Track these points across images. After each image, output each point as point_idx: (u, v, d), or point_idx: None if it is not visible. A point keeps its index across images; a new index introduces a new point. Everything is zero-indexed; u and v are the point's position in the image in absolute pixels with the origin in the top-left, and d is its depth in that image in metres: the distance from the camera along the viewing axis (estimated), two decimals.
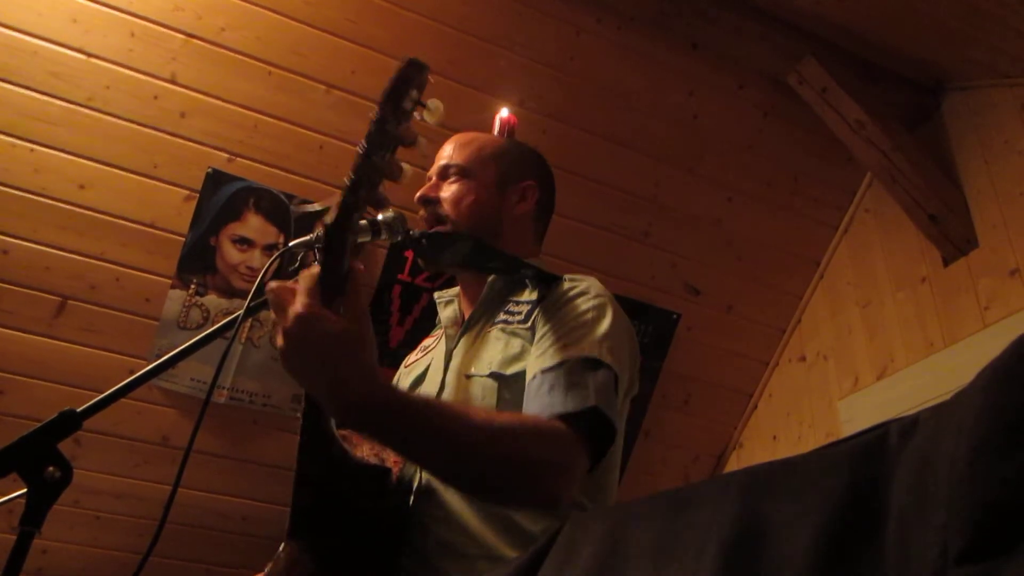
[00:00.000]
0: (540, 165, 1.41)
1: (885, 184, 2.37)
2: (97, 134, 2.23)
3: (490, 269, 1.27)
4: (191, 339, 1.06)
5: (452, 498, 1.05)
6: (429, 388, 1.23)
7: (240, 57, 2.25)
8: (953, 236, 2.26)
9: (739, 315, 2.81)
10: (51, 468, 0.84)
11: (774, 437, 2.80)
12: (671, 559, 0.41)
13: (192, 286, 2.40)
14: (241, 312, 1.09)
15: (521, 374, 1.11)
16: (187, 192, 2.34)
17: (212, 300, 2.42)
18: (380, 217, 1.29)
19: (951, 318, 2.23)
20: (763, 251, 2.74)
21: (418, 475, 1.09)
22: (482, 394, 1.13)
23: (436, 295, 1.40)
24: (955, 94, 2.45)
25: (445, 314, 1.34)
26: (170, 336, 2.40)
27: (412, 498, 1.08)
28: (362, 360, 0.85)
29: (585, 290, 1.18)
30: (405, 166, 0.89)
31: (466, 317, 1.30)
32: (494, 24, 2.33)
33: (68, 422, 0.88)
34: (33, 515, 0.83)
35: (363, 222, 1.27)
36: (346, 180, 0.87)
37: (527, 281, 1.25)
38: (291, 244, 1.22)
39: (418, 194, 1.31)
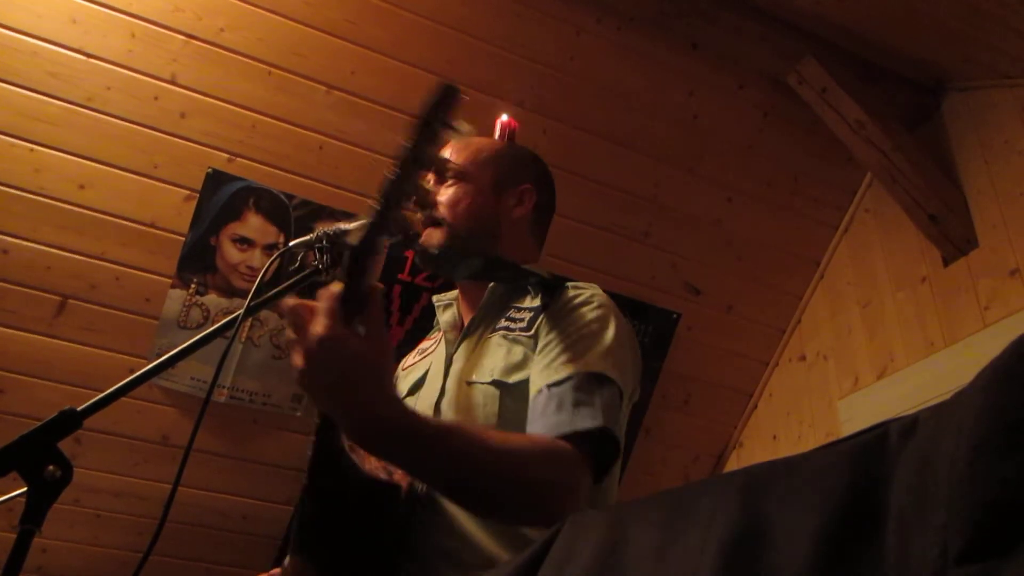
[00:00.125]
0: (538, 169, 1.41)
1: (885, 184, 2.37)
2: (97, 134, 2.23)
3: (498, 279, 1.27)
4: (191, 338, 1.06)
5: (453, 507, 1.05)
6: (428, 393, 1.23)
7: (240, 58, 2.26)
8: (953, 236, 2.26)
9: (739, 315, 2.81)
10: (51, 467, 0.84)
11: (774, 437, 2.80)
12: (671, 559, 0.41)
13: (192, 286, 2.40)
14: (241, 312, 1.09)
15: (524, 383, 1.11)
16: (187, 192, 2.34)
17: (212, 299, 2.42)
18: None
19: (951, 318, 2.23)
20: (763, 251, 2.74)
21: (421, 484, 1.09)
22: (484, 401, 1.12)
23: (435, 298, 1.40)
24: (955, 94, 2.45)
25: (444, 318, 1.34)
26: (170, 335, 2.40)
27: (413, 506, 1.08)
28: (384, 384, 0.85)
29: (589, 299, 1.18)
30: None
31: (465, 322, 1.30)
32: (494, 24, 2.33)
33: (68, 421, 0.89)
34: (33, 514, 0.83)
35: (363, 221, 1.27)
36: (373, 203, 0.87)
37: (529, 288, 1.25)
38: (291, 244, 1.22)
39: None
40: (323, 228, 1.21)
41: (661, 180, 2.58)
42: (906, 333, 2.37)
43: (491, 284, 1.27)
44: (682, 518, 0.42)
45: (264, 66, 2.27)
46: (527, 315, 1.20)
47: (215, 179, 2.34)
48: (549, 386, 1.05)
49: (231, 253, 2.41)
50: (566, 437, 0.98)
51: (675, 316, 2.75)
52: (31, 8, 2.12)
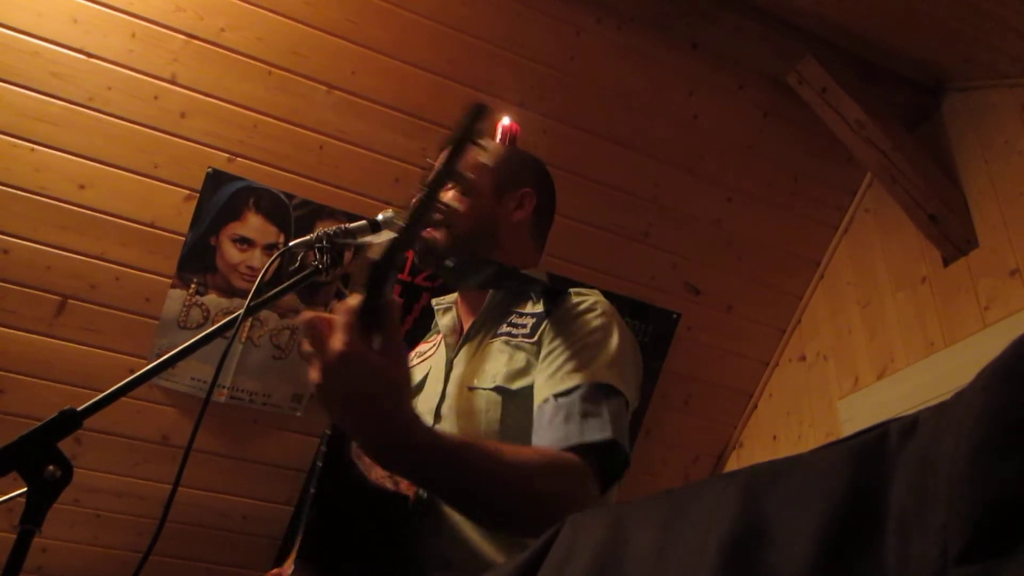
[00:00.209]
0: (539, 172, 1.41)
1: (885, 184, 2.37)
2: (98, 134, 2.23)
3: (505, 287, 1.27)
4: (191, 338, 1.06)
5: (454, 514, 1.05)
6: (428, 397, 1.23)
7: (240, 57, 2.26)
8: (953, 236, 2.26)
9: (739, 315, 2.81)
10: (51, 467, 0.84)
11: (774, 437, 2.80)
12: (671, 559, 0.41)
13: (192, 285, 2.40)
14: (241, 311, 1.09)
15: (526, 389, 1.11)
16: (187, 192, 2.34)
17: (212, 299, 2.42)
18: (380, 217, 1.29)
19: (951, 318, 2.23)
20: (763, 251, 2.74)
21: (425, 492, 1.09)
22: (486, 407, 1.12)
23: (434, 302, 1.40)
24: (955, 94, 2.45)
25: (443, 321, 1.34)
26: (170, 335, 2.40)
27: (417, 513, 1.08)
28: (403, 401, 0.85)
29: (592, 306, 1.18)
30: (455, 204, 0.89)
31: (465, 326, 1.30)
32: (494, 24, 2.33)
33: (68, 421, 0.89)
34: (33, 514, 0.83)
35: (363, 222, 1.27)
36: (399, 221, 0.87)
37: (531, 293, 1.25)
38: (291, 244, 1.23)
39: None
40: (323, 228, 1.21)
41: (661, 180, 2.58)
42: (906, 333, 2.37)
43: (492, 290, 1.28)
44: (682, 518, 0.42)
45: (264, 66, 2.27)
46: (529, 321, 1.20)
47: (215, 179, 2.34)
48: (556, 396, 1.05)
49: (231, 253, 2.41)
50: (574, 449, 0.98)
51: (675, 316, 2.75)
52: (32, 8, 2.12)
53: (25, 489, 0.84)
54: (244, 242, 2.41)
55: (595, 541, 0.47)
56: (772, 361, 2.89)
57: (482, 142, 0.90)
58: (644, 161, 2.55)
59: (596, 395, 1.04)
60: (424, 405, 1.21)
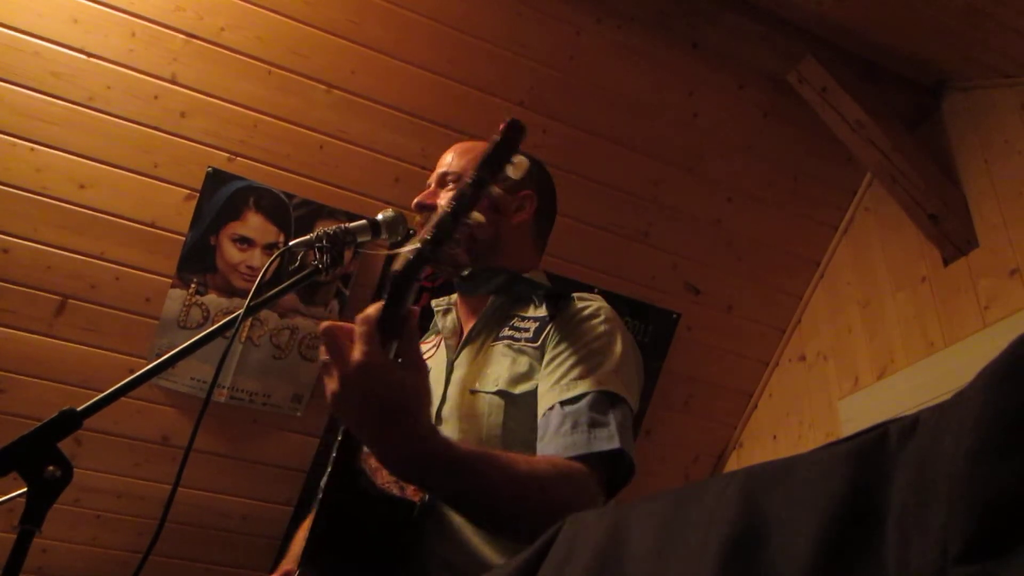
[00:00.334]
0: (540, 175, 1.40)
1: (885, 184, 2.37)
2: (98, 134, 2.23)
3: (512, 293, 1.27)
4: (191, 338, 1.06)
5: (456, 517, 1.05)
6: None
7: (240, 57, 2.26)
8: (953, 236, 2.26)
9: (739, 315, 2.81)
10: (51, 467, 0.84)
11: (774, 437, 2.80)
12: (671, 559, 0.41)
13: (192, 285, 2.40)
14: (241, 311, 1.09)
15: (529, 394, 1.11)
16: (187, 191, 2.34)
17: (212, 299, 2.42)
18: (380, 217, 1.29)
19: (951, 318, 2.23)
20: (763, 251, 2.74)
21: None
22: (488, 411, 1.12)
23: (434, 303, 1.39)
24: (955, 94, 2.45)
25: (443, 323, 1.33)
26: (170, 335, 2.40)
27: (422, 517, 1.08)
28: (421, 412, 0.85)
29: (596, 311, 1.18)
30: (479, 219, 0.89)
31: (465, 329, 1.29)
32: (494, 24, 2.33)
33: (68, 421, 0.89)
34: (33, 514, 0.83)
35: (363, 221, 1.27)
36: (426, 234, 0.87)
37: (533, 297, 1.24)
38: (291, 244, 1.22)
39: (416, 200, 1.30)
40: (323, 228, 1.21)
41: (661, 180, 2.58)
42: (906, 333, 2.37)
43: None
44: (682, 518, 0.42)
45: (264, 65, 2.27)
46: (532, 325, 1.20)
47: (215, 178, 2.34)
48: (562, 403, 1.05)
49: (231, 253, 2.41)
50: (582, 458, 0.99)
51: (675, 316, 2.75)
52: (32, 7, 2.12)
53: (25, 489, 0.84)
54: (244, 242, 2.41)
55: (595, 541, 0.47)
56: (772, 361, 2.89)
57: (515, 160, 0.90)
58: (644, 161, 2.55)
59: (602, 404, 1.05)
60: None
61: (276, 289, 1.18)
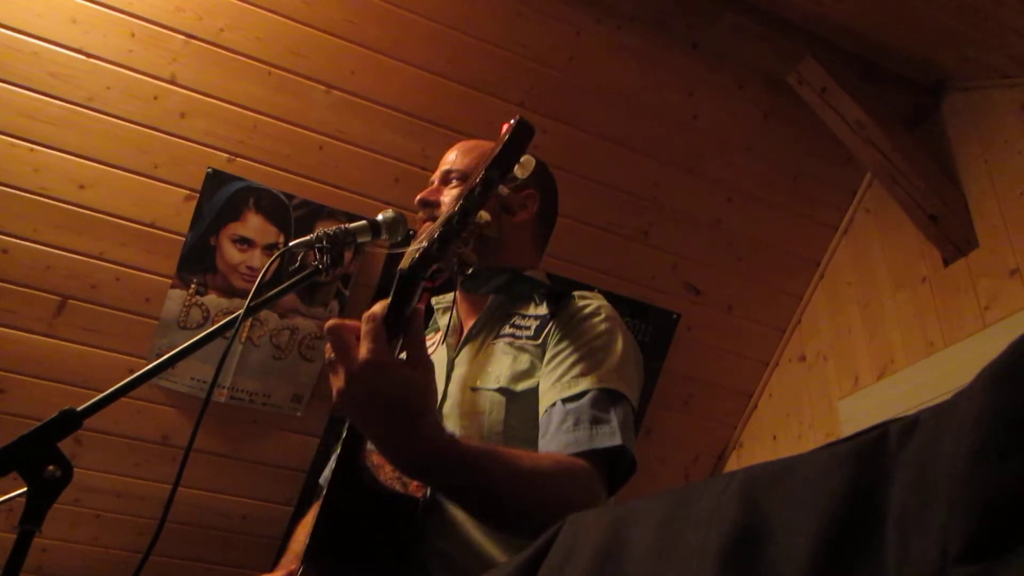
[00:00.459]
0: (542, 174, 1.41)
1: (885, 184, 2.37)
2: (97, 134, 2.23)
3: (513, 292, 1.27)
4: (191, 338, 1.06)
5: (457, 512, 1.05)
6: None
7: (240, 57, 2.26)
8: (953, 236, 2.26)
9: (739, 315, 2.81)
10: (51, 467, 0.84)
11: (774, 437, 2.80)
12: (671, 559, 0.41)
13: (192, 286, 2.40)
14: (241, 312, 1.09)
15: (530, 391, 1.11)
16: (187, 192, 2.34)
17: (212, 300, 2.42)
18: (380, 217, 1.29)
19: (951, 318, 2.23)
20: (763, 251, 2.74)
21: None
22: (489, 408, 1.13)
23: (434, 300, 1.40)
24: (955, 94, 2.45)
25: (443, 321, 1.34)
26: (170, 335, 2.40)
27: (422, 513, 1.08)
28: (428, 410, 0.85)
29: (597, 310, 1.18)
30: (487, 218, 0.90)
31: (465, 326, 1.30)
32: (493, 24, 2.33)
33: (68, 421, 0.89)
34: (33, 514, 0.83)
35: (363, 222, 1.27)
36: (433, 232, 0.87)
37: (534, 295, 1.25)
38: (291, 244, 1.22)
39: (419, 197, 1.31)
40: (323, 228, 1.21)
41: (661, 180, 2.58)
42: (906, 333, 2.37)
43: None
44: (682, 518, 0.42)
45: (264, 66, 2.27)
46: (533, 323, 1.20)
47: (215, 179, 2.34)
48: (564, 401, 1.05)
49: (231, 253, 2.41)
50: (584, 455, 0.99)
51: (675, 316, 2.75)
52: (32, 8, 2.12)
53: (25, 489, 0.84)
54: (244, 242, 2.41)
55: (595, 541, 0.47)
56: (772, 361, 2.89)
57: (523, 160, 0.90)
58: (644, 161, 2.55)
59: (604, 401, 1.05)
60: None
61: (276, 289, 1.18)
